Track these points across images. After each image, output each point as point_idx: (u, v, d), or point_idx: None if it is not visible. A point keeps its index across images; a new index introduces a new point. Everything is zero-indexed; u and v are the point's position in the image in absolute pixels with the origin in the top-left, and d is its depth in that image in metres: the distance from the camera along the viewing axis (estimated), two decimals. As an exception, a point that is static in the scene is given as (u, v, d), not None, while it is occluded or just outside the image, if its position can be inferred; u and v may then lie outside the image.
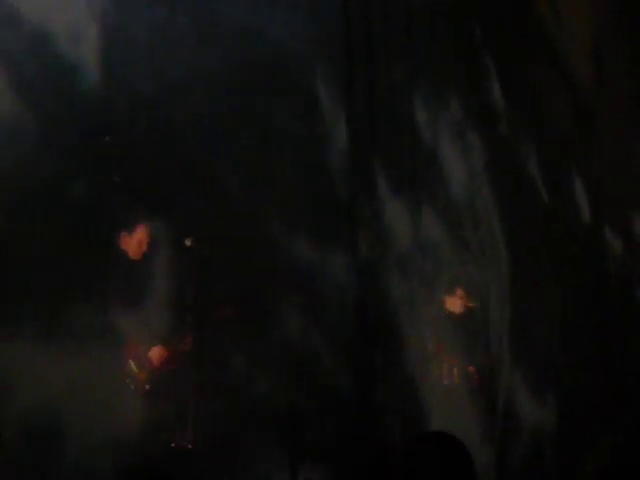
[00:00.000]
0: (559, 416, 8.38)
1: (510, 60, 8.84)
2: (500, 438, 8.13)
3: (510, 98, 8.79)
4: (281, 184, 7.66)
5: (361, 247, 7.97)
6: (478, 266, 8.54)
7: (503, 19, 8.78)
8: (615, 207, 9.11)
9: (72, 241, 6.75)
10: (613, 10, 9.23)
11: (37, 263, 6.56)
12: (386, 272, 8.03)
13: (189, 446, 7.12)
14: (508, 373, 8.39)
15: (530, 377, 8.40)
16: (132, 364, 7.04)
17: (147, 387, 7.08)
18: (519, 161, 8.83)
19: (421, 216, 8.24)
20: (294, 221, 7.62)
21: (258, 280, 7.43)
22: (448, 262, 8.38)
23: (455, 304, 8.47)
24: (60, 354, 6.44)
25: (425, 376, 8.14)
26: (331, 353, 7.60)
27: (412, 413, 7.84)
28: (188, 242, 7.43)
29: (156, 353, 7.15)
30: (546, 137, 8.95)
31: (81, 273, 6.79)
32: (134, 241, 7.29)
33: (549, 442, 8.32)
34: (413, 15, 8.35)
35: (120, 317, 6.98)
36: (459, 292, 8.50)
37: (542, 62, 9.01)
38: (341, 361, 7.64)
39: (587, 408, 8.41)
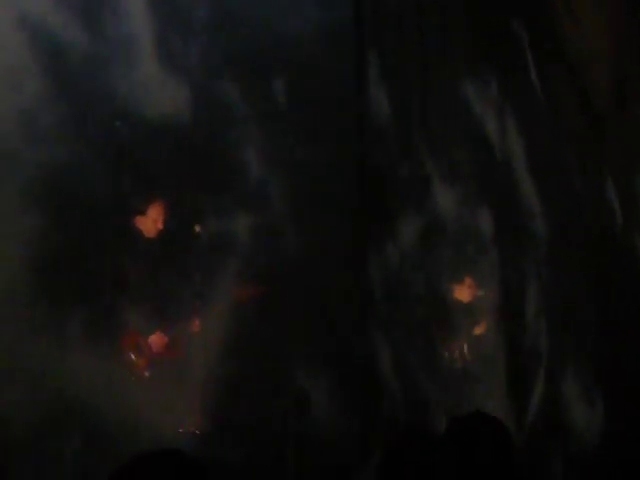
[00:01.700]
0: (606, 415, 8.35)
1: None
2: (529, 433, 8.14)
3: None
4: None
5: (405, 233, 7.98)
6: (519, 253, 8.56)
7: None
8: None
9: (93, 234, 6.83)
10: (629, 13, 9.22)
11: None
12: (430, 255, 8.06)
13: (197, 431, 7.13)
14: (545, 364, 8.41)
15: (575, 373, 8.40)
16: (130, 353, 7.04)
17: (147, 374, 7.08)
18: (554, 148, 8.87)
19: (469, 200, 8.25)
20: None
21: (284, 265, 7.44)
22: (492, 247, 8.41)
23: (463, 293, 8.48)
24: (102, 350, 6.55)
25: (464, 360, 8.19)
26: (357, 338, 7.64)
27: (450, 398, 7.89)
28: (197, 228, 7.43)
29: (156, 339, 7.15)
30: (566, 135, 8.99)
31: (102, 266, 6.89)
32: (149, 220, 7.29)
33: (597, 441, 8.28)
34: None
35: (128, 304, 7.03)
36: (467, 281, 8.51)
37: (558, 63, 9.02)
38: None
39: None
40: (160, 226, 7.28)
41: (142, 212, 7.27)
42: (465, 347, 8.32)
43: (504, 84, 8.62)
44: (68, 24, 6.72)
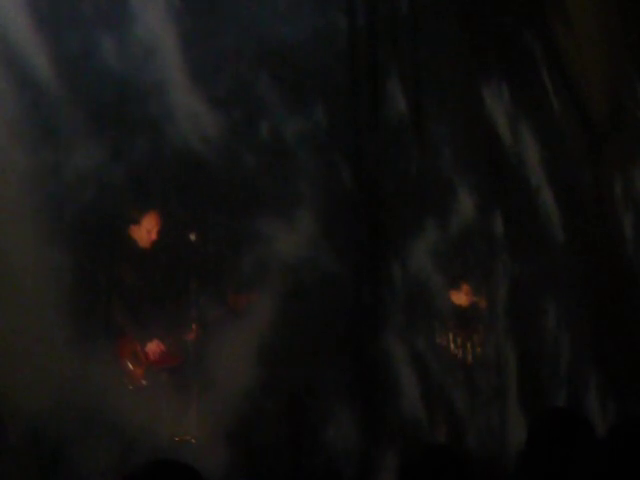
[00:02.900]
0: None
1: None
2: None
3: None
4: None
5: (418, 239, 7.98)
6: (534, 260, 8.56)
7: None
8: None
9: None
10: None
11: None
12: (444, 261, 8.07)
13: (192, 440, 7.11)
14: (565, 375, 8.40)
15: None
16: (127, 361, 7.03)
17: (144, 382, 7.07)
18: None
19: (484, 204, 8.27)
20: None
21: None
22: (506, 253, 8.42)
23: (460, 299, 8.48)
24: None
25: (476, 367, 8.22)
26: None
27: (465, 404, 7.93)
28: (193, 237, 7.42)
29: (153, 348, 7.13)
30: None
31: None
32: (143, 230, 7.28)
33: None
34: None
35: (125, 311, 7.03)
36: (464, 288, 8.50)
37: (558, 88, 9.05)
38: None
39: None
40: (155, 236, 7.28)
41: (137, 222, 7.27)
42: (477, 353, 8.31)
43: (516, 92, 8.62)
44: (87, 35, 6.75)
